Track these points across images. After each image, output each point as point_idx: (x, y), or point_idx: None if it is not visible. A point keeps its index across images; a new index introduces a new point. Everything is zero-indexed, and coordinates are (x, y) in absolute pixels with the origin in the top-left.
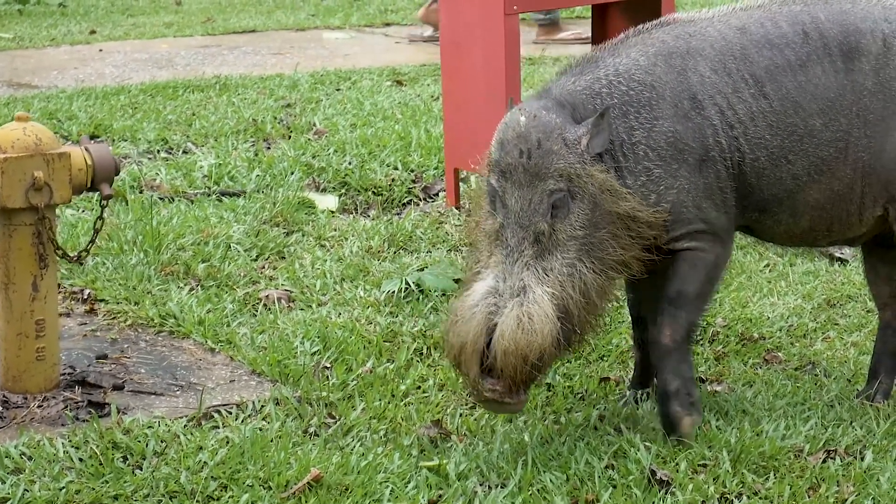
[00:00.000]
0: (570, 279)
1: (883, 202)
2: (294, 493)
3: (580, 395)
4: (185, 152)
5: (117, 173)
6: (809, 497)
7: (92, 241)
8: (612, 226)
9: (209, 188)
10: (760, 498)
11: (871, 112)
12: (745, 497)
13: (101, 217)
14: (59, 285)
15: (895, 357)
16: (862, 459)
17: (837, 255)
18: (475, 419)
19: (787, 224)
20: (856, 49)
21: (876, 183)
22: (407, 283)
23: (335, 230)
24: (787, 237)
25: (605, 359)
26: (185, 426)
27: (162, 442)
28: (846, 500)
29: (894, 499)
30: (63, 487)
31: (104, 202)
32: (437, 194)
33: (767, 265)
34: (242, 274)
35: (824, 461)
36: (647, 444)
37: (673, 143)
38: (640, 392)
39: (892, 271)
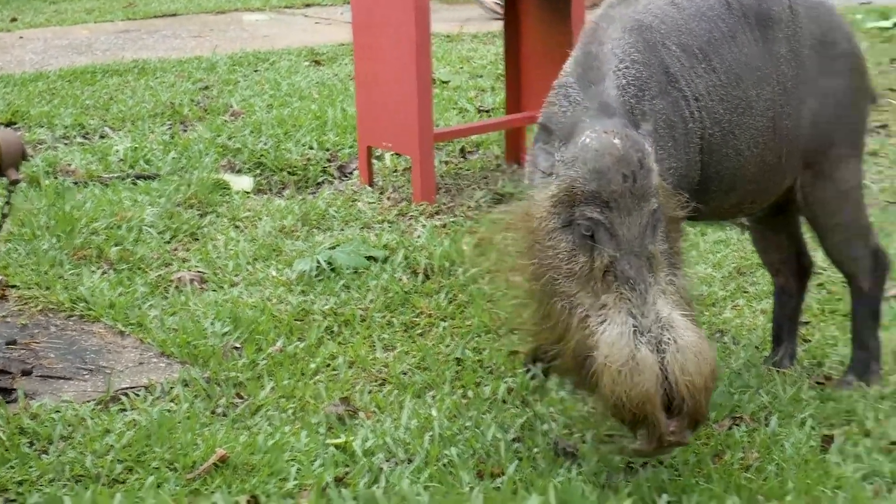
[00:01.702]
0: (679, 295)
1: (798, 171)
2: (200, 473)
3: (489, 369)
4: (101, 137)
5: (25, 158)
6: (715, 464)
7: None
8: (669, 228)
9: (124, 172)
10: (666, 466)
11: (789, 80)
12: (650, 466)
13: (8, 202)
14: None
15: (794, 320)
16: (767, 425)
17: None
18: (384, 395)
19: (719, 201)
20: (768, 17)
21: (795, 152)
22: (319, 261)
23: (249, 211)
24: (713, 214)
25: (515, 332)
26: (92, 410)
27: (69, 426)
28: (751, 465)
29: (798, 463)
30: None
31: (11, 187)
32: (351, 173)
33: None
34: (155, 256)
35: (730, 428)
36: (556, 416)
37: (665, 120)
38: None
39: (781, 238)
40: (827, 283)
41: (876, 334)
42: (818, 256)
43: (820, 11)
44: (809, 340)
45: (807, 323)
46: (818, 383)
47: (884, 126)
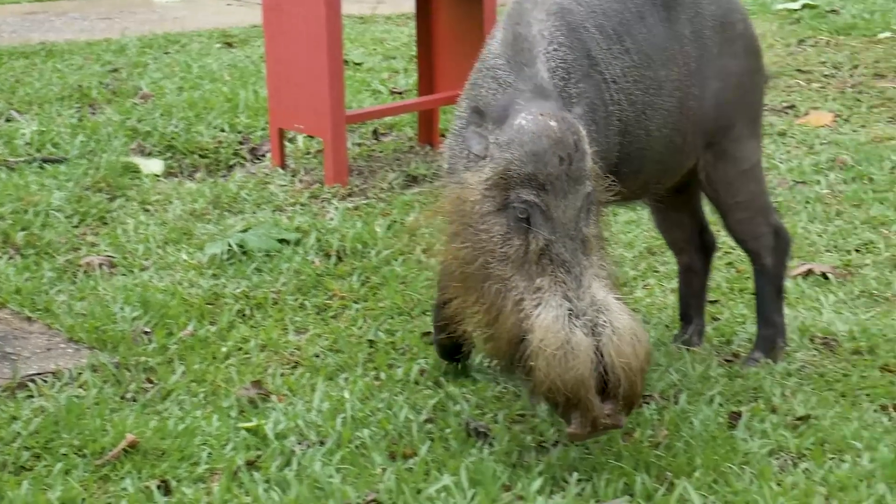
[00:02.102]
0: (610, 279)
1: (700, 151)
2: (109, 459)
3: (402, 351)
4: (7, 120)
5: None
6: (625, 442)
7: None
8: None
9: (31, 156)
10: (577, 445)
11: (693, 60)
12: (560, 445)
13: None
14: None
15: (701, 298)
16: (676, 403)
17: None
18: (296, 378)
19: (628, 182)
20: None
21: (699, 132)
22: (230, 244)
23: (159, 194)
24: (619, 195)
25: (427, 314)
26: None
27: None
28: (660, 443)
29: (706, 440)
30: None
31: None
32: (263, 155)
33: None
34: (63, 241)
35: (640, 406)
36: (468, 396)
37: (589, 104)
38: None
39: (682, 217)
40: (735, 262)
41: (780, 310)
42: (723, 235)
43: None
44: (718, 319)
45: (715, 301)
46: (727, 361)
47: (791, 107)
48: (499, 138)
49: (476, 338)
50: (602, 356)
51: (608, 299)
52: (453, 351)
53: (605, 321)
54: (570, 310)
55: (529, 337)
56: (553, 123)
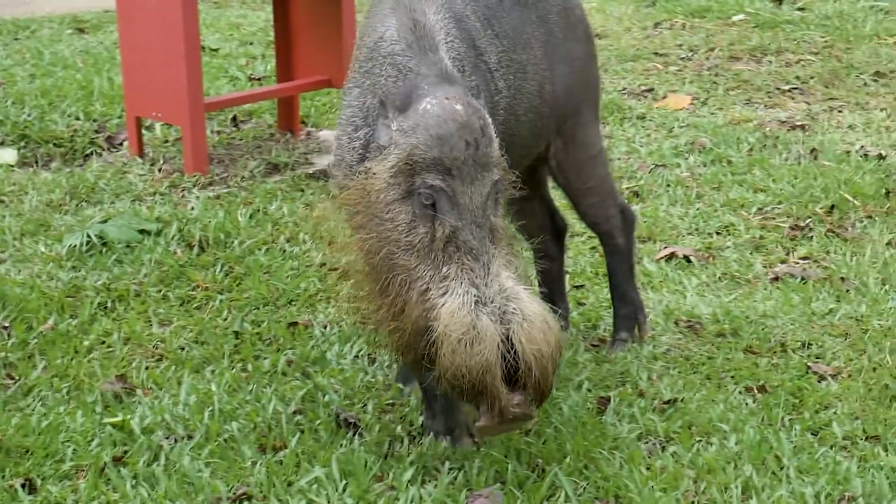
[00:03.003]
0: (518, 269)
1: (553, 136)
2: None
3: (268, 342)
4: None
5: None
6: None
7: None
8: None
9: None
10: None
11: (543, 45)
12: (431, 434)
13: None
14: None
15: (561, 283)
16: None
17: None
18: (161, 371)
19: None
20: None
21: (553, 116)
22: (89, 236)
23: (14, 185)
24: None
25: (293, 303)
26: None
27: None
28: (530, 430)
29: (576, 425)
30: None
31: None
32: (121, 144)
33: None
34: None
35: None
36: (337, 387)
37: (484, 95)
38: None
39: (533, 204)
40: (599, 246)
41: (635, 286)
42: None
43: None
44: (584, 304)
45: (580, 286)
46: (593, 346)
47: (650, 90)
48: (402, 124)
49: (382, 331)
50: (511, 344)
51: (517, 288)
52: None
53: (514, 309)
54: (477, 297)
55: (434, 325)
56: (459, 107)
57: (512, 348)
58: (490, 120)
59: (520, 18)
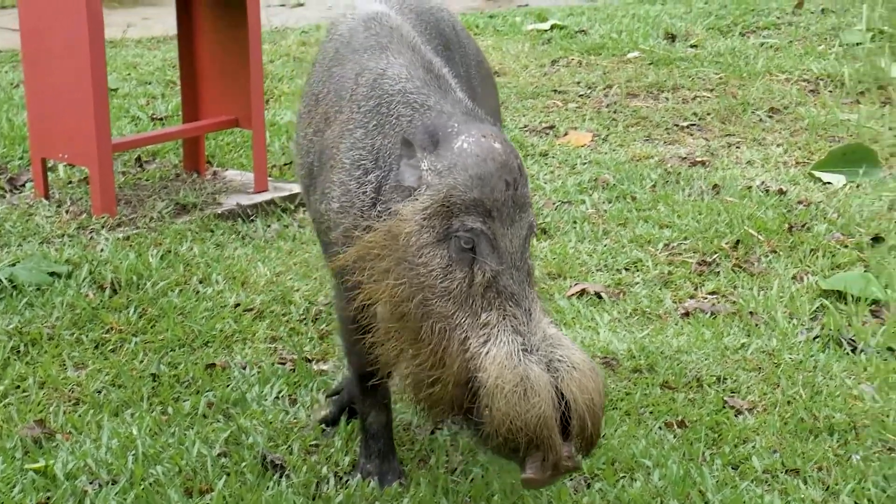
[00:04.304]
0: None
1: None
2: None
3: (186, 384)
4: None
5: None
6: (421, 469)
7: None
8: None
9: None
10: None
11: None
12: (357, 476)
13: None
14: None
15: None
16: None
17: None
18: (80, 415)
19: None
20: (448, 41)
21: None
22: None
23: None
24: None
25: (209, 345)
26: None
27: None
28: (456, 468)
29: (502, 464)
30: None
31: None
32: (24, 185)
33: None
34: None
35: (432, 432)
36: (259, 428)
37: None
38: None
39: None
40: None
41: None
42: None
43: (468, 34)
44: None
45: None
46: None
47: (551, 127)
48: (435, 164)
49: (415, 382)
50: (562, 394)
51: (559, 334)
52: (368, 377)
53: (560, 356)
54: (524, 345)
55: (481, 376)
56: (497, 145)
57: (562, 398)
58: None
59: (457, 70)
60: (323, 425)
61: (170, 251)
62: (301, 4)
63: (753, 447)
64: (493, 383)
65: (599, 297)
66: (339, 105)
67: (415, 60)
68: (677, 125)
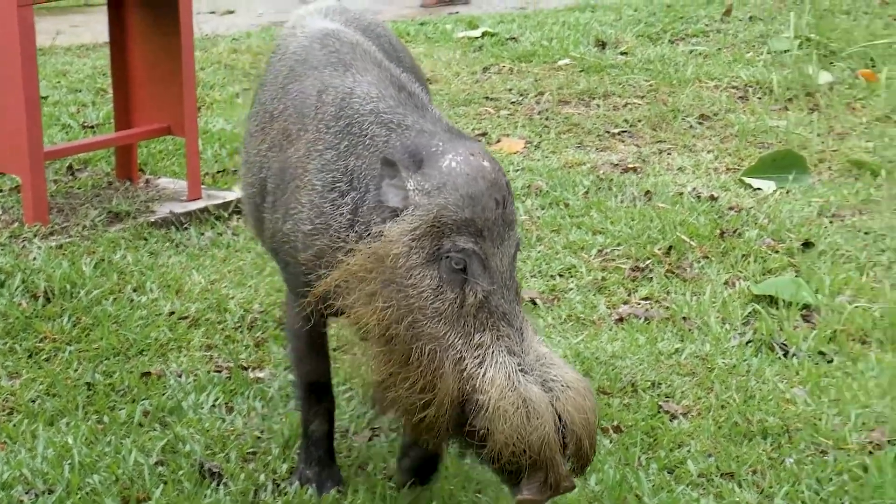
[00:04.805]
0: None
1: None
2: None
3: (122, 392)
4: None
5: None
6: (359, 476)
7: None
8: None
9: None
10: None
11: None
12: (296, 482)
13: None
14: None
15: None
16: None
17: None
18: (14, 425)
19: None
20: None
21: None
22: None
23: None
24: None
25: (144, 353)
26: None
27: None
28: (392, 476)
29: (441, 470)
30: None
31: None
32: None
33: None
34: None
35: (370, 439)
36: (196, 436)
37: None
38: None
39: None
40: None
41: None
42: None
43: (403, 46)
44: None
45: None
46: None
47: (484, 134)
48: (422, 184)
49: (407, 405)
50: (559, 412)
51: (551, 353)
52: (321, 388)
53: (555, 376)
54: (520, 365)
55: (479, 398)
56: (486, 164)
57: (559, 418)
58: None
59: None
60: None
61: (103, 260)
62: (231, 12)
63: (688, 451)
64: (494, 406)
65: (534, 303)
66: (301, 123)
67: (382, 78)
68: (609, 132)
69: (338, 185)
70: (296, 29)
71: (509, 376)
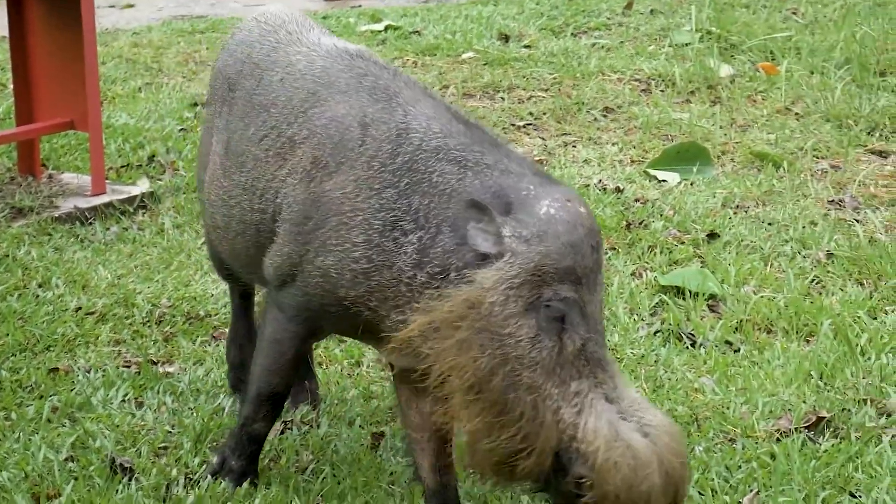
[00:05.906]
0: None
1: None
2: None
3: (29, 388)
4: None
5: None
6: (272, 469)
7: None
8: None
9: None
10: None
11: None
12: (209, 476)
13: None
14: None
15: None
16: (318, 427)
17: None
18: None
19: None
20: None
21: None
22: None
23: None
24: None
25: (51, 349)
26: None
27: None
28: (306, 468)
29: (352, 462)
30: None
31: None
32: None
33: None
34: None
35: (282, 432)
36: (106, 432)
37: None
38: None
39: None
40: None
41: None
42: None
43: None
44: (345, 341)
45: None
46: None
47: None
48: (519, 231)
49: (502, 454)
50: (660, 460)
51: (640, 397)
52: (282, 399)
53: (649, 421)
54: (620, 413)
55: (581, 448)
56: (582, 210)
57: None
58: None
59: None
60: None
61: (7, 255)
62: (131, 6)
63: None
64: (603, 458)
65: None
66: (342, 155)
67: (439, 109)
68: (514, 125)
69: (400, 223)
70: (302, 46)
71: (613, 425)
